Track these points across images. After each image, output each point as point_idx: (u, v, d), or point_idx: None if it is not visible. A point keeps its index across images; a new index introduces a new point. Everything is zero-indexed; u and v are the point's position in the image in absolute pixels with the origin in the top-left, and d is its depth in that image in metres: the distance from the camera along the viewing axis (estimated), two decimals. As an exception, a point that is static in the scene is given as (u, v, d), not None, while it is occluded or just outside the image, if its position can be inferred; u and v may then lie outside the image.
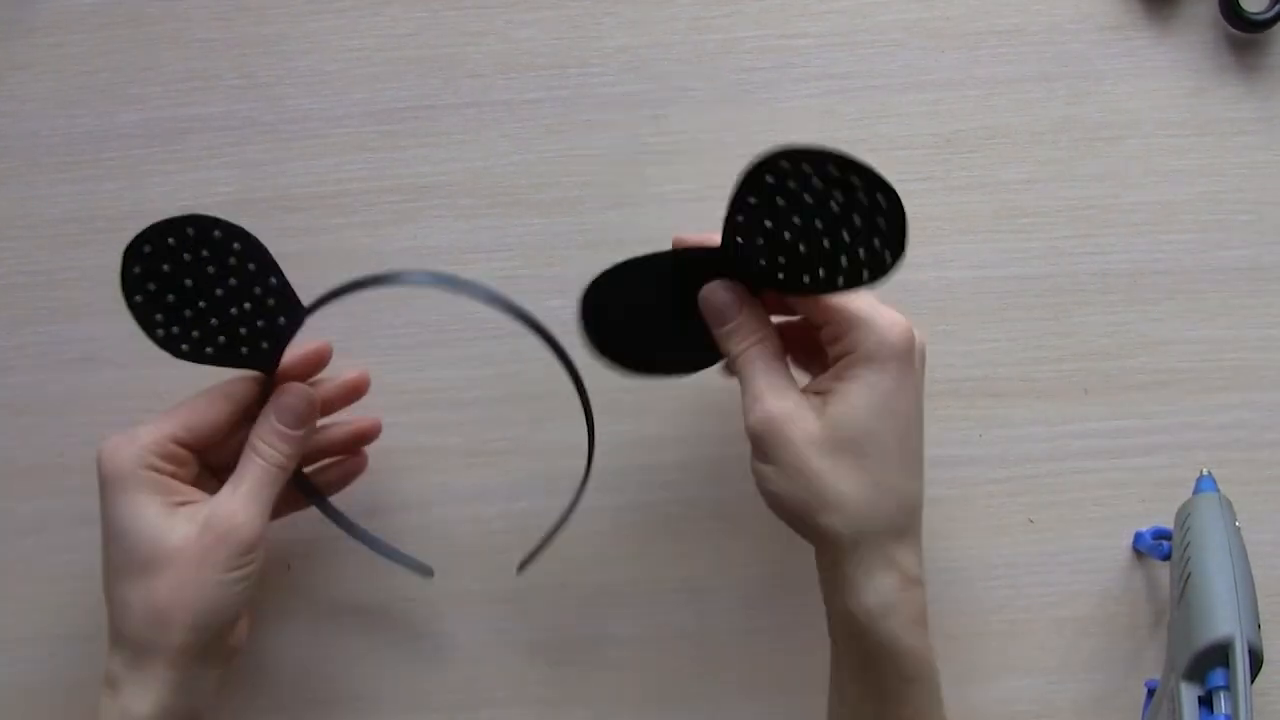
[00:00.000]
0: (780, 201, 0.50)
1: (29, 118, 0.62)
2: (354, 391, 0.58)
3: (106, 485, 0.52)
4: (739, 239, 0.51)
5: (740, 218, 0.51)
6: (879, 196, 0.48)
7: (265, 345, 0.53)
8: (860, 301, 0.51)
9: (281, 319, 0.52)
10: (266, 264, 0.52)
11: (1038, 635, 0.60)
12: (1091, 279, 0.62)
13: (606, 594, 0.61)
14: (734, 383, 0.53)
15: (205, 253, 0.51)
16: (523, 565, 0.59)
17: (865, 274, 0.50)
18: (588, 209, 0.62)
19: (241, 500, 0.52)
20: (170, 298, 0.52)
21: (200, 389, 0.54)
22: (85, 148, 0.62)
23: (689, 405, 0.61)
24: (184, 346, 0.53)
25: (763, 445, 0.50)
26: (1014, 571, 0.61)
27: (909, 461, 0.51)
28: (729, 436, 0.58)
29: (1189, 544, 0.55)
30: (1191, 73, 0.62)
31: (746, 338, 0.52)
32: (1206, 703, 0.52)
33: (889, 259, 0.49)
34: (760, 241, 0.51)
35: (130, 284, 0.51)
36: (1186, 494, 0.58)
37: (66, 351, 0.62)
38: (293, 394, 0.54)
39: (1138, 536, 0.60)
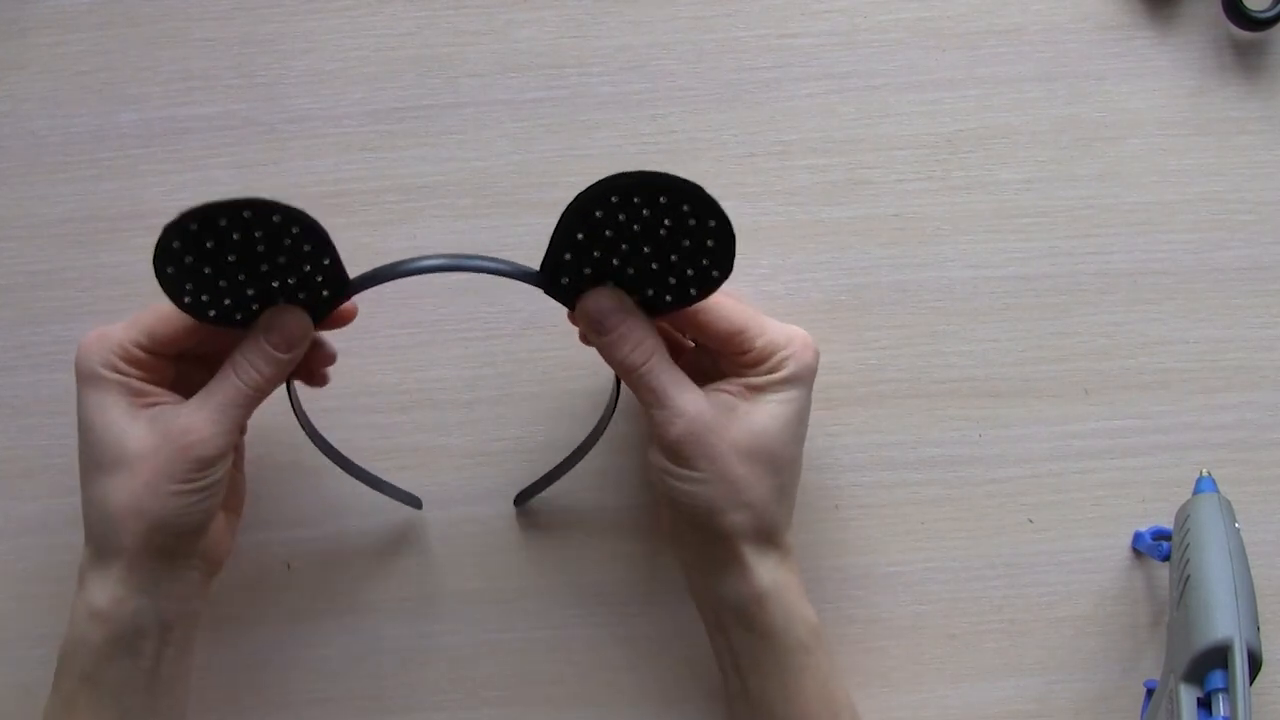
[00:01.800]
0: (608, 232, 0.51)
1: (27, 117, 0.62)
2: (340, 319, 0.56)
3: (79, 380, 0.52)
4: (566, 277, 0.52)
5: (567, 255, 0.52)
6: (710, 221, 0.50)
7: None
8: (772, 323, 0.54)
9: (325, 292, 0.52)
10: (323, 245, 0.51)
11: (1038, 635, 0.61)
12: (1091, 279, 0.62)
13: (607, 594, 0.61)
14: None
15: (257, 234, 0.50)
16: (520, 499, 0.59)
17: (692, 291, 0.52)
18: (587, 209, 0.62)
19: (207, 415, 0.51)
20: (207, 270, 0.50)
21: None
22: (83, 147, 0.62)
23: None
24: (211, 313, 0.52)
25: (686, 453, 0.51)
26: (1014, 571, 0.61)
27: (800, 462, 0.55)
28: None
29: (1188, 545, 0.55)
30: (1193, 72, 0.62)
31: (640, 345, 0.52)
32: (1205, 704, 0.52)
33: (717, 276, 0.52)
34: (588, 271, 0.52)
35: (164, 256, 0.50)
36: (1186, 494, 0.58)
37: (66, 351, 0.61)
38: (287, 315, 0.52)
39: (1137, 537, 0.60)
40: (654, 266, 0.51)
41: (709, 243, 0.51)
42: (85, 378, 0.52)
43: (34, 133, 0.62)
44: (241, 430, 0.54)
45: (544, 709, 0.61)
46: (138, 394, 0.52)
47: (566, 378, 0.61)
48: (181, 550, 0.52)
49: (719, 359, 0.55)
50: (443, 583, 0.61)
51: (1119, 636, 0.61)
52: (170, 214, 0.49)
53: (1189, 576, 0.54)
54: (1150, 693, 0.58)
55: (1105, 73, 0.62)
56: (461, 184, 0.62)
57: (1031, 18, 0.62)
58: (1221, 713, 0.51)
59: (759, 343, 0.53)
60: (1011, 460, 0.61)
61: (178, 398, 0.52)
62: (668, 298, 0.52)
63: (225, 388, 0.51)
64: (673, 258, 0.51)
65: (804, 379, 0.53)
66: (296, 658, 0.61)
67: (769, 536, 0.53)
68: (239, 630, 0.61)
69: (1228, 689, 0.51)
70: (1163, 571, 0.60)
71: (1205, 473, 0.58)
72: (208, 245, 0.50)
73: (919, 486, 0.61)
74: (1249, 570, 0.54)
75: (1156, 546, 0.59)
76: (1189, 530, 0.56)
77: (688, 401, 0.52)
